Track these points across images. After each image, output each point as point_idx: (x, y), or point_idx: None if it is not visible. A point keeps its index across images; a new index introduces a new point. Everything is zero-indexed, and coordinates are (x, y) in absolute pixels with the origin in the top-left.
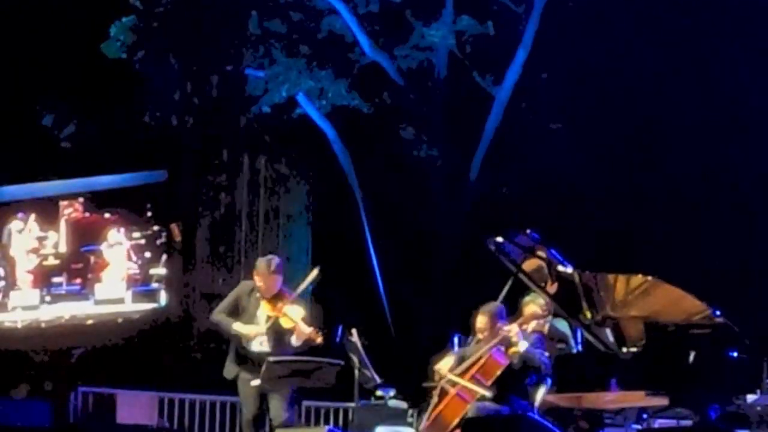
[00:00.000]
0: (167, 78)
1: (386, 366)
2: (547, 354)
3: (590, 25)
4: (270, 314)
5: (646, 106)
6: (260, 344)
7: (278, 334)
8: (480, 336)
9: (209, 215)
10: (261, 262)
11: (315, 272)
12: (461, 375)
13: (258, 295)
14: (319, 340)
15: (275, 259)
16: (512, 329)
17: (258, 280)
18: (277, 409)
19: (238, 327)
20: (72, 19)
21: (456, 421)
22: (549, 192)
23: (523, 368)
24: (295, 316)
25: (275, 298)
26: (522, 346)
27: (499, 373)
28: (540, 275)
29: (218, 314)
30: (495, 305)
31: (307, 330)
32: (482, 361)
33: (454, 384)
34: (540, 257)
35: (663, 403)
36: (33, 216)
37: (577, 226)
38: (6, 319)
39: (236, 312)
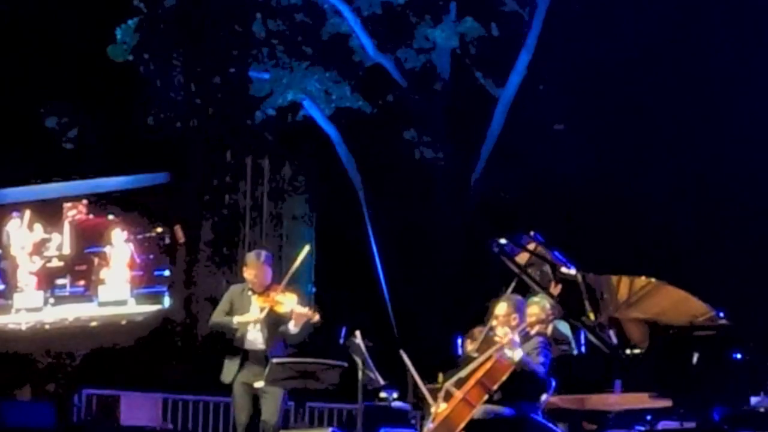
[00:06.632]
0: (171, 80)
1: (390, 368)
2: (544, 360)
3: (594, 27)
4: (263, 305)
5: (649, 107)
6: (254, 340)
7: (272, 327)
8: (494, 322)
9: (213, 217)
10: (250, 255)
11: (306, 250)
12: (467, 379)
13: (249, 292)
14: (317, 317)
15: (263, 252)
16: (504, 337)
17: (249, 274)
18: (271, 412)
19: (237, 318)
20: (76, 22)
21: (462, 425)
22: (552, 193)
23: (525, 373)
24: (287, 300)
25: (266, 291)
26: (517, 355)
27: (504, 378)
28: (542, 275)
29: (216, 317)
30: (518, 297)
31: (303, 310)
32: (488, 365)
33: (459, 386)
34: (543, 258)
35: (667, 404)
36: (28, 213)
37: (581, 227)
38: (10, 321)
39: (231, 314)
